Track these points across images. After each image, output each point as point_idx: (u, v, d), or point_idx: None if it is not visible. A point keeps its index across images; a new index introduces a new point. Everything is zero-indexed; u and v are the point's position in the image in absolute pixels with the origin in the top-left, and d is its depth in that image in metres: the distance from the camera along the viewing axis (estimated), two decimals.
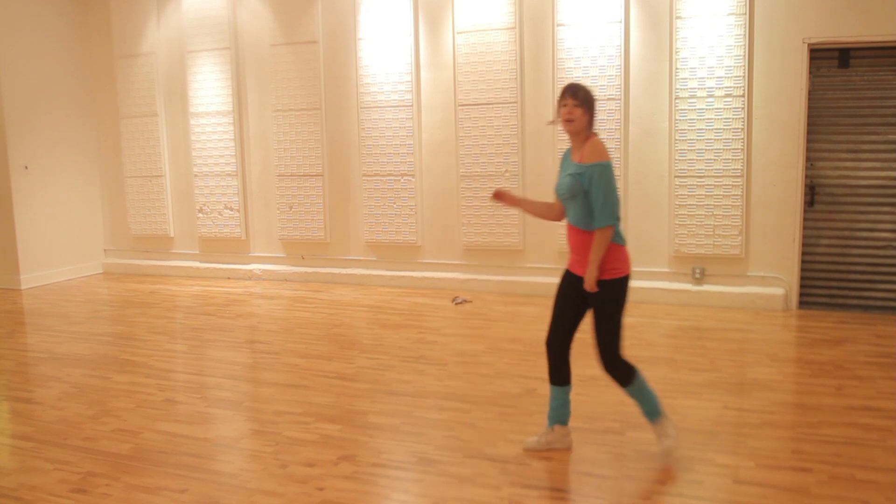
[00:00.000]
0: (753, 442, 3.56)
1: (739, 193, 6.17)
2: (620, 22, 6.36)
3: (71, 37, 8.45)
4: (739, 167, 6.14)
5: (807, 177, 6.12)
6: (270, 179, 7.97)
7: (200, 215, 8.29)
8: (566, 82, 6.45)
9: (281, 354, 5.27)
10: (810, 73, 5.99)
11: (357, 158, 7.54)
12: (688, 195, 6.32)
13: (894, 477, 3.18)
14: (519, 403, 4.15)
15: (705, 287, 6.35)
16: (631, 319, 4.93)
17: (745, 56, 6.03)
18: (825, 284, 6.19)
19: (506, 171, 6.91)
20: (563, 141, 6.64)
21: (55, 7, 8.25)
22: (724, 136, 6.15)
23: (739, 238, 6.22)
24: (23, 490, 3.28)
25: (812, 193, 6.12)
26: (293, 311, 6.59)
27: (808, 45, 5.91)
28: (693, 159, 6.25)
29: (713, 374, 4.58)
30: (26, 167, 7.92)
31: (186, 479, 3.34)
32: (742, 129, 6.10)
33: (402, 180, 7.33)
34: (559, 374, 3.44)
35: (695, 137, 6.23)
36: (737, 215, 6.20)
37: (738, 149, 6.13)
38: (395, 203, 7.39)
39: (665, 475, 3.26)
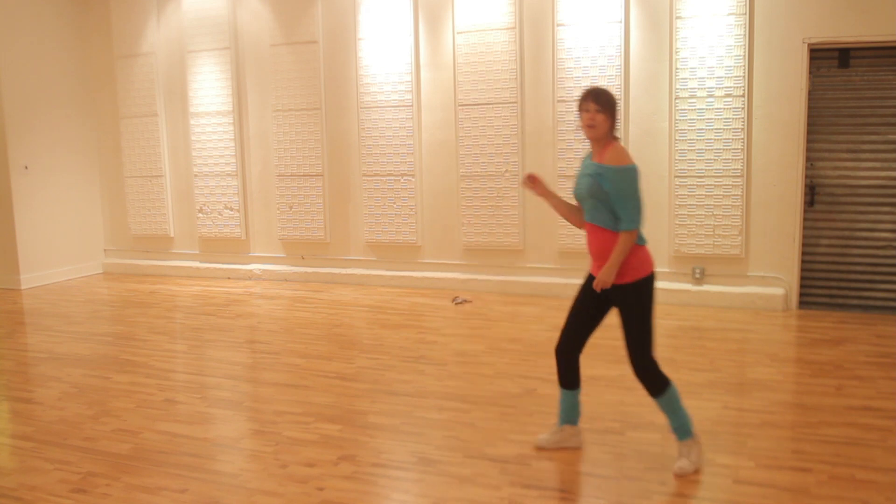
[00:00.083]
0: (753, 442, 3.56)
1: (739, 193, 6.17)
2: (620, 22, 6.36)
3: (71, 37, 8.45)
4: (739, 167, 6.14)
5: (807, 177, 6.12)
6: (270, 179, 7.97)
7: (200, 215, 8.29)
8: (563, 82, 6.57)
9: (281, 354, 5.27)
10: (810, 73, 5.99)
11: (357, 158, 7.54)
12: (688, 195, 6.32)
13: (894, 477, 3.18)
14: (519, 403, 4.15)
15: (705, 287, 6.35)
16: None
17: (745, 56, 6.03)
18: (825, 284, 6.19)
19: (506, 171, 6.91)
20: (562, 141, 6.64)
21: (55, 7, 8.25)
22: (724, 136, 6.15)
23: (739, 238, 6.22)
24: (23, 490, 3.28)
25: (812, 193, 6.13)
26: (293, 311, 6.59)
27: (808, 45, 5.91)
28: (693, 159, 6.25)
29: (713, 374, 4.58)
30: (26, 167, 7.92)
31: (186, 479, 3.34)
32: (742, 129, 6.10)
33: (402, 180, 7.33)
34: (567, 378, 3.43)
35: (695, 137, 6.23)
36: (737, 215, 6.20)
37: (738, 149, 6.13)
38: (395, 203, 7.39)
39: (665, 475, 3.26)
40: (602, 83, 6.44)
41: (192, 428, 3.94)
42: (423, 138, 7.26)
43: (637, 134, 6.47)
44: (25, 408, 4.34)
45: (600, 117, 3.18)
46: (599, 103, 3.18)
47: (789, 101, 6.00)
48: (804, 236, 6.17)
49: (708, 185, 6.25)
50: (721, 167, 6.18)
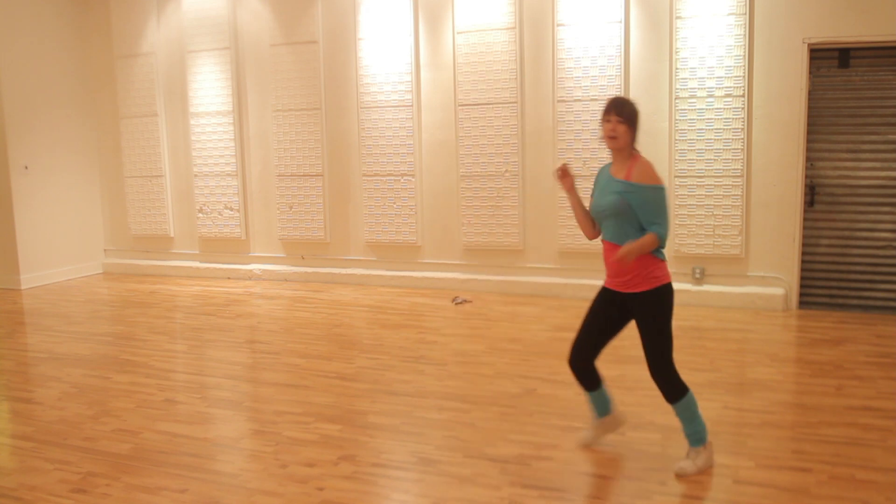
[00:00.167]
0: (753, 442, 3.56)
1: (739, 193, 6.17)
2: (620, 22, 6.36)
3: (71, 37, 8.45)
4: (739, 167, 6.14)
5: (807, 177, 6.12)
6: (270, 179, 7.97)
7: (200, 215, 8.29)
8: (563, 82, 6.57)
9: (281, 354, 5.27)
10: (810, 73, 5.99)
11: (357, 158, 7.54)
12: (688, 195, 6.31)
13: (894, 477, 3.18)
14: (519, 403, 4.15)
15: (705, 287, 6.35)
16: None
17: (745, 56, 6.03)
18: (825, 284, 6.19)
19: (506, 171, 6.91)
20: (562, 141, 6.64)
21: (55, 7, 8.25)
22: (724, 136, 6.15)
23: (739, 238, 6.22)
24: (23, 490, 3.28)
25: (812, 193, 6.13)
26: (293, 311, 6.59)
27: (808, 45, 5.91)
28: (693, 159, 6.25)
29: (713, 374, 4.58)
30: (26, 167, 7.92)
31: (186, 479, 3.34)
32: (742, 129, 6.10)
33: (402, 180, 7.33)
34: (586, 383, 3.42)
35: (695, 137, 6.23)
36: (737, 215, 6.20)
37: (738, 149, 6.13)
38: (395, 203, 7.39)
39: (665, 475, 3.26)
40: (602, 83, 6.44)
41: (192, 428, 3.94)
42: (423, 138, 7.26)
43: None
44: (25, 408, 4.34)
45: (622, 128, 3.14)
46: (622, 115, 3.14)
47: (789, 101, 6.00)
48: (804, 236, 6.17)
49: (708, 185, 6.25)
50: (721, 167, 6.18)
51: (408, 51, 7.15)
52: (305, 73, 7.59)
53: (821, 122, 6.04)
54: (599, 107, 6.37)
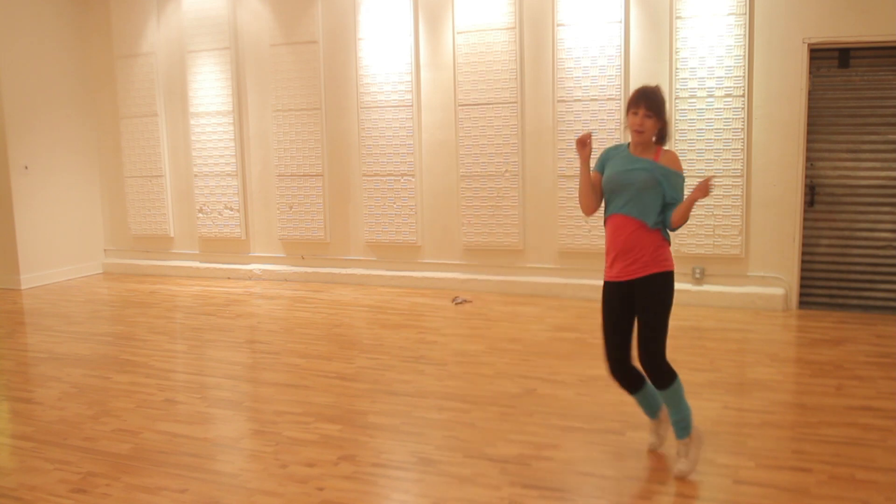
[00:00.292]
0: (753, 442, 3.56)
1: (739, 193, 6.17)
2: (620, 22, 6.36)
3: (71, 37, 8.45)
4: (739, 167, 6.14)
5: (807, 177, 6.12)
6: (270, 179, 7.97)
7: (200, 215, 8.29)
8: (563, 82, 6.57)
9: (281, 354, 5.27)
10: (810, 73, 5.99)
11: (357, 158, 7.54)
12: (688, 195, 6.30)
13: (894, 477, 3.18)
14: (519, 403, 4.15)
15: (705, 287, 6.35)
16: None
17: (745, 56, 6.03)
18: (825, 284, 6.19)
19: (506, 171, 6.91)
20: (562, 141, 6.64)
21: (55, 7, 8.25)
22: (724, 136, 6.15)
23: (739, 238, 6.22)
24: (23, 490, 3.28)
25: (812, 193, 6.13)
26: (293, 311, 6.59)
27: (808, 45, 5.91)
28: (693, 159, 6.25)
29: (713, 374, 4.58)
30: (26, 167, 7.92)
31: (186, 479, 3.34)
32: (742, 129, 6.10)
33: (402, 180, 7.33)
34: (630, 386, 3.35)
35: (695, 137, 6.23)
36: (737, 215, 6.20)
37: (738, 149, 6.13)
38: (395, 203, 7.39)
39: (665, 475, 3.26)
40: (602, 83, 6.44)
41: (192, 428, 3.94)
42: (423, 138, 7.26)
43: None
44: (25, 408, 4.34)
45: (649, 122, 3.13)
46: (652, 109, 3.12)
47: (789, 101, 6.00)
48: (804, 236, 6.17)
49: None
50: (721, 167, 6.18)
51: (408, 51, 7.15)
52: (305, 73, 7.59)
53: (821, 122, 6.05)
54: (599, 107, 6.49)
